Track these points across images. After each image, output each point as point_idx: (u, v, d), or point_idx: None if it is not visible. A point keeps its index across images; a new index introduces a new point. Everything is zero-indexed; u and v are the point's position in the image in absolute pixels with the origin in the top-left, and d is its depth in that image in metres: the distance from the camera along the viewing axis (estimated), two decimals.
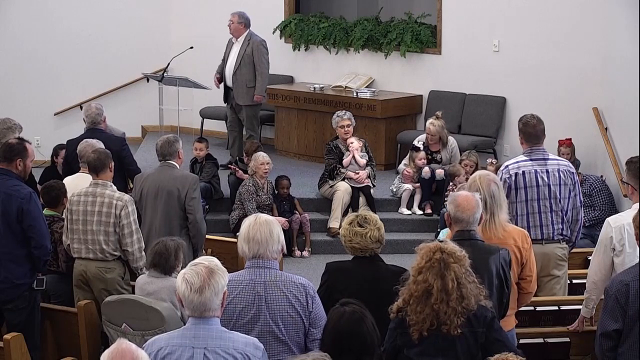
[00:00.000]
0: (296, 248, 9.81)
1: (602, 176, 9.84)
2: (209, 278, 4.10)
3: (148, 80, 13.23)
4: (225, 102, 11.19)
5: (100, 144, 7.68)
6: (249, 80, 10.86)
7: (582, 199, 6.94)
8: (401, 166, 10.53)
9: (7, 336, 5.71)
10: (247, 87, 10.87)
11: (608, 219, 6.08)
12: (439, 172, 10.06)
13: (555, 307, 6.53)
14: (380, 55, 12.22)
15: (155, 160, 7.73)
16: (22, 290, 6.36)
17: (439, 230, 9.57)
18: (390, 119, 11.61)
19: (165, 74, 11.63)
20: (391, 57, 12.11)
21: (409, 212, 10.21)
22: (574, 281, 7.17)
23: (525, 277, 5.63)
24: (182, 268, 4.39)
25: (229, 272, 4.68)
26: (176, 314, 5.59)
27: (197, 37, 12.65)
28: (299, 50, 12.84)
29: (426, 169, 10.10)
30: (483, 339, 4.57)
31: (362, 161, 10.07)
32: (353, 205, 9.88)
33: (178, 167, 7.54)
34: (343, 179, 10.03)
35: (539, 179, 6.71)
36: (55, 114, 13.43)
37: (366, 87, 12.13)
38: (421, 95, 11.96)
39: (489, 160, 10.14)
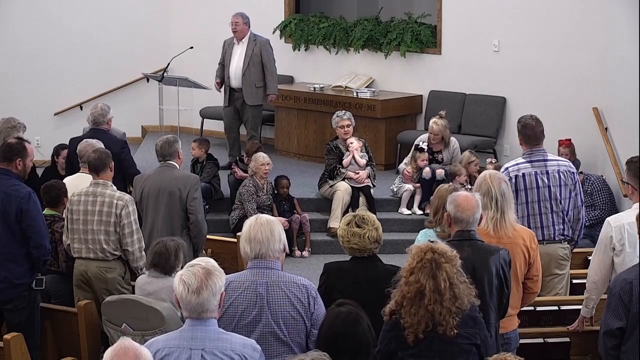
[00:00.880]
0: (296, 248, 9.81)
1: (602, 175, 9.84)
2: (206, 279, 4.09)
3: (148, 80, 13.23)
4: (227, 105, 11.15)
5: (100, 144, 7.69)
6: (257, 80, 10.89)
7: (582, 198, 6.93)
8: (402, 165, 10.52)
9: (7, 336, 5.71)
10: (256, 88, 10.91)
11: (608, 218, 6.08)
12: (440, 172, 10.06)
13: (555, 307, 6.53)
14: (380, 55, 12.22)
15: (155, 160, 7.73)
16: (21, 290, 6.36)
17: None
18: (390, 119, 11.61)
19: (165, 74, 11.63)
20: (391, 57, 12.11)
21: (409, 212, 10.21)
22: (574, 281, 7.17)
23: (532, 277, 5.63)
24: (182, 268, 4.38)
25: (229, 273, 4.70)
26: (176, 314, 5.59)
27: (197, 37, 12.65)
28: (299, 50, 12.83)
29: (427, 169, 10.10)
30: (478, 340, 4.57)
31: (362, 161, 10.07)
32: (353, 205, 9.87)
33: (178, 167, 7.54)
34: (343, 179, 10.03)
35: (539, 181, 6.70)
36: (55, 114, 13.43)
37: (366, 87, 12.13)
38: (421, 95, 11.96)
39: (488, 160, 10.14)
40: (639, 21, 8.96)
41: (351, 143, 10.10)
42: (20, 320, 6.35)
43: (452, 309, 4.45)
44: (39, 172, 9.25)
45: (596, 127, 10.37)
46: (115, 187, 6.87)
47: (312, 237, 9.94)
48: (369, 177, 10.12)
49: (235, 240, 7.69)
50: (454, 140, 10.41)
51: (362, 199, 9.98)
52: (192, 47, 11.83)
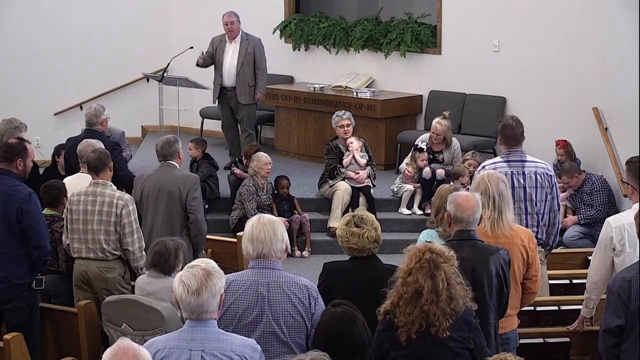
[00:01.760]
0: (296, 248, 9.81)
1: (602, 175, 9.84)
2: (205, 280, 4.09)
3: (148, 80, 13.23)
4: (217, 103, 11.17)
5: (100, 144, 7.69)
6: (250, 79, 10.95)
7: (559, 202, 6.84)
8: (403, 165, 10.52)
9: (7, 336, 5.71)
10: (249, 86, 10.96)
11: (608, 219, 6.08)
12: (440, 172, 10.06)
13: (555, 307, 6.53)
14: (380, 55, 12.22)
15: (155, 160, 7.73)
16: (21, 290, 6.37)
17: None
18: (390, 119, 11.61)
19: (165, 74, 11.63)
20: (391, 57, 12.11)
21: (409, 212, 10.21)
22: (574, 281, 7.17)
23: (531, 277, 5.62)
24: (182, 268, 4.38)
25: (229, 273, 4.69)
26: (176, 314, 5.59)
27: (197, 37, 12.62)
28: (299, 50, 12.83)
29: (427, 169, 10.09)
30: (472, 344, 4.57)
31: (362, 161, 10.07)
32: (353, 205, 9.87)
33: (178, 167, 7.55)
34: (343, 179, 10.03)
35: (515, 181, 6.64)
36: (55, 114, 13.43)
37: (366, 87, 12.13)
38: (421, 95, 11.96)
39: (482, 164, 10.11)
40: (639, 21, 8.96)
41: (351, 143, 10.10)
42: (20, 320, 6.35)
43: (447, 310, 4.45)
44: (40, 172, 9.25)
45: (596, 127, 10.37)
46: (115, 187, 6.88)
47: (312, 237, 9.94)
48: (369, 177, 10.11)
49: (235, 240, 7.70)
50: (455, 142, 10.40)
51: (362, 199, 9.97)
52: (192, 47, 11.82)
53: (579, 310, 6.19)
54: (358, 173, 10.04)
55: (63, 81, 13.34)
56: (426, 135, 10.43)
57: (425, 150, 10.24)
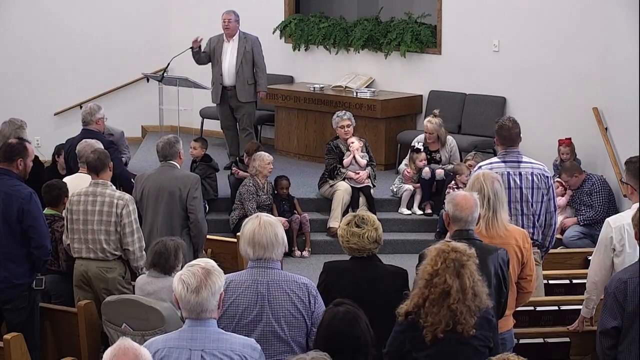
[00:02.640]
0: (296, 248, 9.81)
1: (602, 176, 9.84)
2: (205, 279, 4.09)
3: (148, 80, 13.23)
4: (218, 102, 11.17)
5: (99, 145, 7.69)
6: (249, 77, 10.99)
7: (556, 203, 6.84)
8: (402, 166, 10.52)
9: (7, 336, 5.71)
10: (248, 85, 10.99)
11: (608, 219, 6.08)
12: (439, 172, 10.06)
13: (555, 307, 6.53)
14: (380, 55, 12.22)
15: (155, 160, 7.73)
16: (21, 290, 6.37)
17: (438, 230, 9.59)
18: (390, 119, 11.61)
19: (165, 74, 11.62)
20: (391, 57, 12.11)
21: (409, 212, 10.21)
22: (574, 281, 7.17)
23: (526, 276, 5.63)
24: (182, 268, 4.38)
25: (229, 272, 4.69)
26: (176, 314, 5.59)
27: (198, 37, 12.63)
28: (299, 50, 12.83)
29: (426, 169, 10.10)
30: (492, 342, 4.59)
31: (363, 162, 10.06)
32: (353, 205, 9.88)
33: (179, 167, 7.55)
34: (343, 179, 10.03)
35: (511, 182, 6.64)
36: (55, 114, 13.43)
37: (366, 87, 12.13)
38: (421, 95, 11.96)
39: (479, 164, 10.10)
40: (639, 21, 8.96)
41: (352, 143, 10.10)
42: (20, 320, 6.36)
43: (472, 307, 4.47)
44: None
45: (596, 127, 10.37)
46: (114, 187, 6.88)
47: (312, 237, 9.94)
48: (369, 177, 10.11)
49: (235, 240, 7.70)
50: (450, 139, 10.40)
51: (362, 199, 9.97)
52: (192, 47, 11.82)
53: (579, 310, 6.20)
54: (358, 173, 10.04)
55: (63, 81, 13.34)
56: (421, 136, 10.44)
57: (422, 150, 10.24)
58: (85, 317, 6.20)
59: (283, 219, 9.38)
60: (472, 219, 5.22)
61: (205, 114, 12.86)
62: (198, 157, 10.19)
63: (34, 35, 13.18)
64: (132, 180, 8.15)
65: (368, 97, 11.67)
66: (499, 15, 11.29)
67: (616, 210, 9.14)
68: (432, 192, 10.17)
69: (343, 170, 10.06)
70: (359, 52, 12.36)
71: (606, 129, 10.26)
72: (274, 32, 12.88)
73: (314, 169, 11.21)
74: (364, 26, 12.27)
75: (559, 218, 8.66)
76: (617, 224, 5.94)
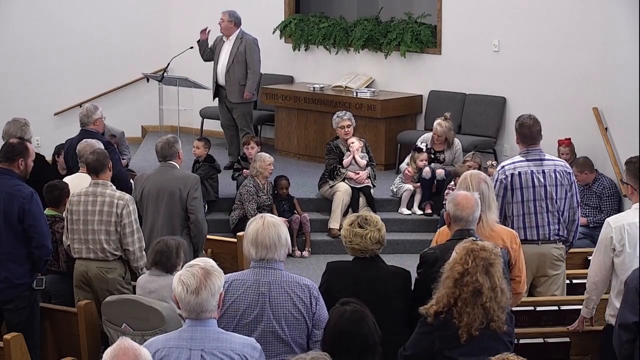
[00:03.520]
0: (296, 248, 9.81)
1: (610, 179, 9.75)
2: (205, 279, 4.09)
3: (148, 80, 13.23)
4: (214, 100, 11.24)
5: (99, 145, 7.69)
6: (241, 78, 11.00)
7: (578, 199, 6.93)
8: (403, 165, 10.51)
9: (7, 336, 5.71)
10: (240, 85, 11.01)
11: (608, 219, 6.07)
12: (440, 172, 10.06)
13: (555, 307, 6.53)
14: (380, 55, 12.22)
15: (156, 160, 7.73)
16: (21, 290, 6.37)
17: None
18: (390, 119, 11.61)
19: (165, 74, 11.63)
20: (391, 57, 12.11)
21: (409, 212, 10.21)
22: (574, 281, 7.16)
23: (515, 277, 5.65)
24: (182, 267, 4.38)
25: (229, 273, 4.69)
26: (176, 314, 5.59)
27: (197, 37, 12.62)
28: (299, 50, 12.83)
29: (427, 169, 10.09)
30: (514, 338, 4.63)
31: (363, 162, 10.06)
32: (353, 205, 9.88)
33: (178, 167, 7.55)
34: (343, 180, 10.03)
35: (535, 180, 6.70)
36: (55, 114, 13.43)
37: (366, 87, 12.13)
38: (421, 95, 11.96)
39: (489, 163, 10.11)
40: (639, 21, 8.96)
41: (352, 143, 10.09)
42: (20, 320, 6.35)
43: (502, 304, 4.53)
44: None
45: (596, 127, 10.37)
46: (114, 187, 6.87)
47: (312, 237, 9.94)
48: (369, 177, 10.11)
49: (235, 240, 7.70)
50: (457, 142, 10.39)
51: (362, 199, 9.97)
52: (192, 47, 11.82)
53: (579, 310, 6.19)
54: (358, 173, 10.04)
55: (63, 81, 13.34)
56: (428, 135, 10.43)
57: (424, 150, 10.24)
58: (85, 317, 6.20)
59: (283, 219, 9.37)
60: (473, 218, 5.23)
61: (205, 114, 12.86)
62: (201, 156, 10.19)
63: (34, 35, 13.18)
64: (130, 181, 8.14)
65: (368, 97, 11.67)
66: (499, 15, 11.28)
67: None
68: (432, 192, 10.16)
69: (343, 170, 10.06)
70: (359, 52, 12.36)
71: (606, 129, 10.26)
72: (274, 32, 12.88)
73: (314, 169, 11.21)
74: (364, 26, 12.26)
75: None
76: (617, 224, 5.93)
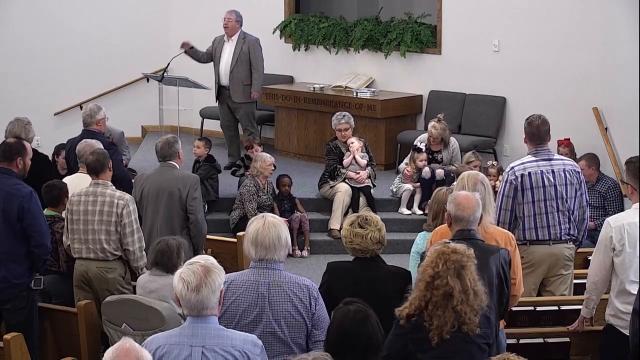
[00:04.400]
0: (296, 248, 9.81)
1: (614, 180, 9.74)
2: (205, 277, 4.09)
3: (148, 80, 13.23)
4: (217, 102, 11.21)
5: (99, 145, 7.69)
6: (244, 78, 10.99)
7: (587, 197, 6.94)
8: (402, 165, 10.51)
9: (7, 336, 5.71)
10: (243, 85, 11.00)
11: (608, 219, 6.07)
12: (439, 172, 10.05)
13: (555, 307, 6.53)
14: (380, 55, 12.22)
15: (155, 160, 7.73)
16: (19, 289, 6.37)
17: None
18: (390, 119, 11.61)
19: (165, 74, 11.62)
20: (391, 57, 12.11)
21: (409, 212, 10.21)
22: (574, 281, 7.17)
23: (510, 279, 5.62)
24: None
25: (229, 272, 4.69)
26: (176, 314, 5.59)
27: (197, 37, 12.62)
28: (299, 50, 12.83)
29: (426, 169, 10.09)
30: (491, 340, 4.60)
31: (363, 162, 10.06)
32: (353, 205, 9.88)
33: (178, 167, 7.55)
34: (343, 180, 10.02)
35: (545, 180, 6.70)
36: (55, 114, 13.43)
37: (366, 87, 12.13)
38: (421, 95, 11.96)
39: (489, 163, 10.12)
40: (639, 21, 8.96)
41: (352, 143, 10.09)
42: (19, 320, 6.35)
43: (475, 306, 4.49)
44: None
45: (596, 127, 10.37)
46: (114, 187, 6.88)
47: (312, 237, 9.93)
48: (369, 177, 10.11)
49: (235, 240, 7.70)
50: (453, 141, 10.40)
51: (362, 199, 9.97)
52: (192, 47, 11.83)
53: (579, 310, 6.19)
54: (358, 173, 10.04)
55: (63, 81, 13.34)
56: (424, 136, 10.43)
57: (423, 150, 10.24)
58: (85, 317, 6.20)
59: (283, 219, 9.36)
60: (474, 218, 5.22)
61: (205, 114, 12.86)
62: (201, 156, 10.19)
63: (34, 35, 13.18)
64: (132, 181, 8.15)
65: (368, 97, 11.67)
66: (499, 15, 11.28)
67: None
68: (432, 192, 10.13)
69: (343, 170, 10.06)
70: (359, 52, 12.36)
71: (606, 129, 10.26)
72: (274, 32, 12.88)
73: (314, 169, 11.21)
74: (364, 26, 12.26)
75: None
76: (617, 223, 5.93)
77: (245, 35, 11.12)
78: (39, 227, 6.34)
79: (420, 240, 6.12)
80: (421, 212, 10.15)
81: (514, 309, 6.08)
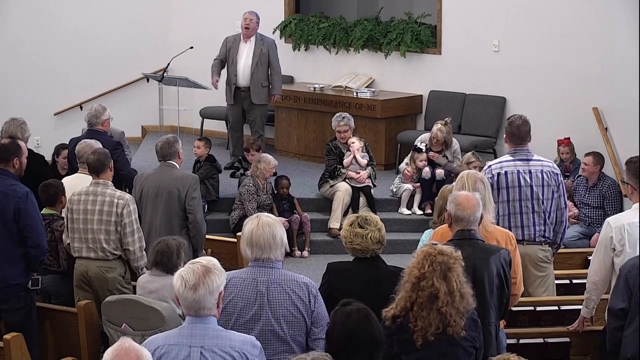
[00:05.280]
0: (296, 248, 9.81)
1: (615, 180, 9.74)
2: (204, 276, 4.09)
3: (148, 80, 13.23)
4: (232, 103, 11.09)
5: (99, 145, 7.69)
6: (263, 79, 10.91)
7: (566, 200, 6.87)
8: (402, 165, 10.51)
9: (7, 336, 5.71)
10: (262, 87, 10.92)
11: (608, 219, 6.08)
12: (439, 172, 10.06)
13: (555, 307, 6.53)
14: (380, 55, 12.22)
15: (155, 160, 7.73)
16: (17, 290, 6.37)
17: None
18: (390, 119, 11.61)
19: (165, 74, 11.62)
20: (391, 57, 12.11)
21: (409, 212, 10.20)
22: (574, 281, 7.17)
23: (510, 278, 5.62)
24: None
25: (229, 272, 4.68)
26: (176, 314, 5.60)
27: (197, 37, 12.65)
28: (299, 50, 12.84)
29: (426, 169, 10.09)
30: (478, 343, 4.58)
31: (363, 161, 10.06)
32: (353, 205, 9.88)
33: (178, 167, 7.55)
34: (344, 179, 10.03)
35: (521, 180, 6.66)
36: (55, 114, 13.43)
37: (366, 87, 12.13)
38: (421, 95, 11.96)
39: (488, 163, 10.10)
40: (639, 21, 8.96)
41: (352, 143, 10.09)
42: (17, 320, 6.35)
43: (460, 309, 4.47)
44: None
45: (596, 127, 10.37)
46: (115, 187, 6.88)
47: (312, 237, 9.93)
48: (369, 177, 10.11)
49: (235, 240, 7.70)
50: (455, 142, 10.39)
51: (362, 199, 9.98)
52: (192, 47, 11.83)
53: (579, 310, 6.19)
54: (359, 173, 10.04)
55: (63, 81, 13.34)
56: (426, 136, 10.42)
57: (424, 151, 10.24)
58: (85, 317, 6.20)
59: (283, 219, 9.38)
60: (475, 218, 5.22)
61: (205, 114, 12.86)
62: (202, 156, 10.19)
63: (34, 35, 13.18)
64: None
65: (368, 97, 11.67)
66: (499, 15, 11.29)
67: None
68: (432, 192, 10.15)
69: (343, 170, 10.06)
70: (359, 52, 12.36)
71: (606, 129, 10.26)
72: (274, 32, 12.87)
73: (314, 169, 11.21)
74: (364, 26, 12.27)
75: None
76: (617, 223, 5.93)
77: (262, 37, 11.01)
78: (35, 227, 6.34)
79: (426, 238, 6.12)
80: (421, 212, 10.15)
81: (514, 308, 6.09)
